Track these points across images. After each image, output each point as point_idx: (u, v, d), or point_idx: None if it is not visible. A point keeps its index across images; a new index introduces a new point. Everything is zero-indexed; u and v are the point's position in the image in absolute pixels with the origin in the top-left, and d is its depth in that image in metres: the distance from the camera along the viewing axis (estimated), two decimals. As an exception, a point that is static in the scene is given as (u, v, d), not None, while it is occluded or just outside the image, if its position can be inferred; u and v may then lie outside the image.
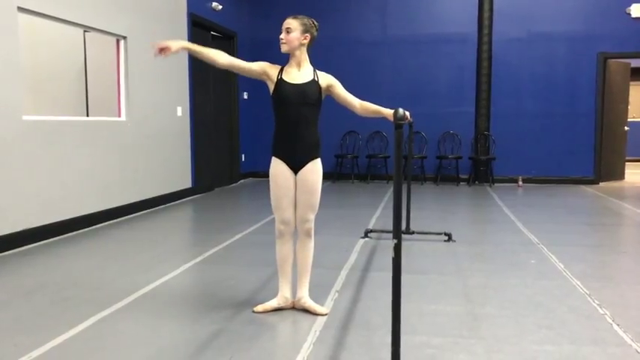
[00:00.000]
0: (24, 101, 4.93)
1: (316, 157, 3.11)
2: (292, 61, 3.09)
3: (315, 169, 3.10)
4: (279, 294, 3.23)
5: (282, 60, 3.13)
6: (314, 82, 3.07)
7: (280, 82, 3.05)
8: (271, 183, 3.12)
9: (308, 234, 3.17)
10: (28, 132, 4.83)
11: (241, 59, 3.14)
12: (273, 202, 3.14)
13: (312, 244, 3.21)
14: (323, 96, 3.13)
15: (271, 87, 3.08)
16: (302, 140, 3.06)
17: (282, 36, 3.04)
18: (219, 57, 3.04)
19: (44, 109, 6.67)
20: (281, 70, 3.09)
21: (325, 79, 3.12)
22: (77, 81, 7.25)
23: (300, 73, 3.08)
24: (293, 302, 3.24)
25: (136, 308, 3.29)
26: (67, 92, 7.27)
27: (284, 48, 3.06)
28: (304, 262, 3.22)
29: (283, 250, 3.20)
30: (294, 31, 3.02)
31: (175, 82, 7.49)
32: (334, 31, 9.79)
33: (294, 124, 3.04)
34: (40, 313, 3.20)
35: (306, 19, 3.06)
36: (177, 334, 2.89)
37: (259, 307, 3.21)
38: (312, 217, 3.16)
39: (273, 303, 3.22)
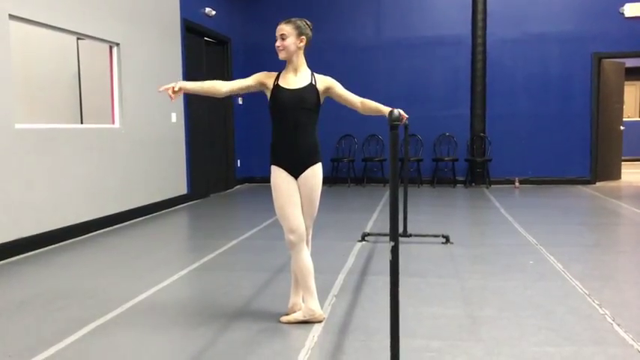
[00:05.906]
0: (16, 109, 4.90)
1: (316, 162, 3.04)
2: (289, 67, 3.03)
3: (315, 173, 3.02)
4: (305, 306, 3.09)
5: (279, 65, 3.08)
6: (311, 87, 3.01)
7: (277, 88, 2.99)
8: (274, 193, 3.01)
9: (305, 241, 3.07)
10: (21, 140, 4.80)
11: (237, 79, 3.08)
12: (278, 212, 3.00)
13: (308, 251, 3.09)
14: (322, 99, 3.06)
15: (268, 94, 3.02)
16: (301, 146, 2.98)
17: (277, 44, 2.98)
18: (218, 87, 3.00)
19: (38, 117, 6.63)
20: (277, 77, 3.03)
21: (323, 82, 3.05)
22: (71, 88, 7.22)
23: (297, 78, 3.02)
24: (322, 316, 3.11)
25: (131, 317, 3.25)
26: (60, 100, 7.24)
27: (282, 55, 3.00)
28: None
29: (299, 261, 3.02)
30: (289, 37, 2.95)
31: (169, 88, 7.44)
32: (328, 36, 9.78)
33: (293, 130, 2.96)
34: (33, 323, 3.16)
35: (299, 21, 3.00)
36: (173, 342, 2.85)
37: (284, 318, 3.11)
38: (310, 223, 3.09)
39: (298, 316, 3.11)
